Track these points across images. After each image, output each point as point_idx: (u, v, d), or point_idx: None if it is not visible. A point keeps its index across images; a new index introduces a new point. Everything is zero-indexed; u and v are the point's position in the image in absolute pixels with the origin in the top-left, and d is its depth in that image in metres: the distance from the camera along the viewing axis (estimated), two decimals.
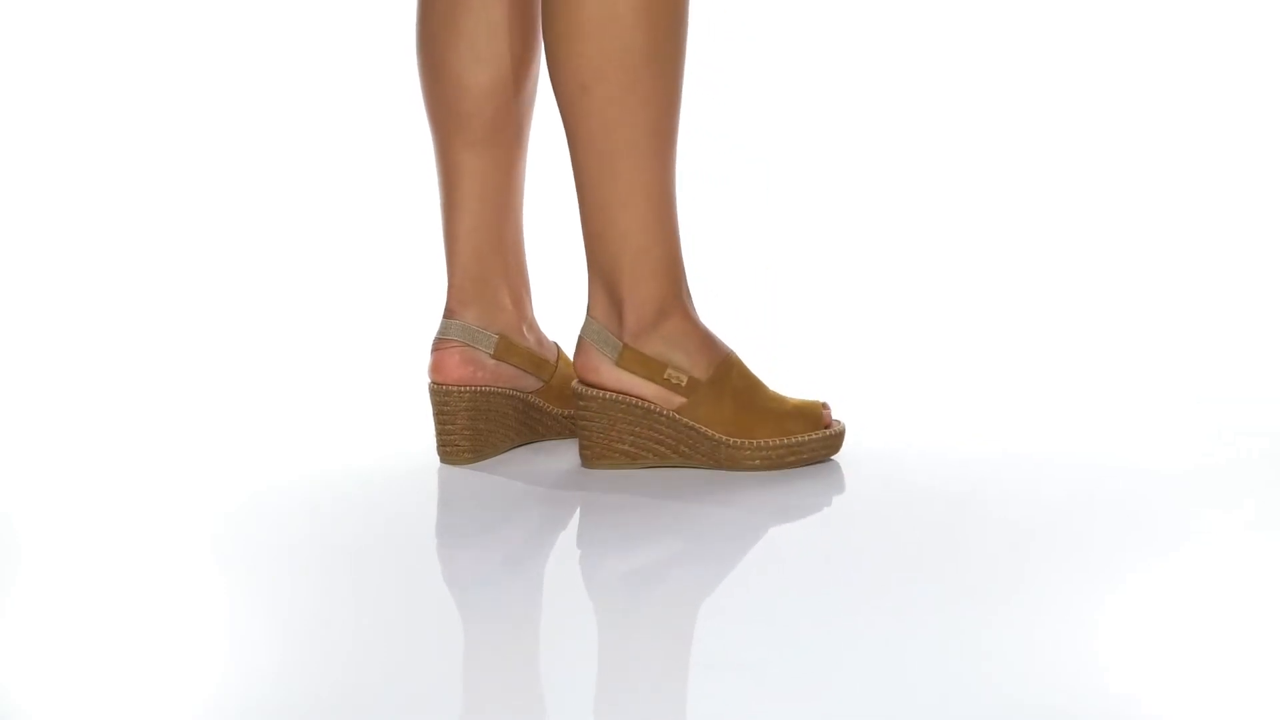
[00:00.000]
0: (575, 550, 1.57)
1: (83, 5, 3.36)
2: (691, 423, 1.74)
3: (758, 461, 1.73)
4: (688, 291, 1.76)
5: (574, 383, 1.75)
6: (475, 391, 1.80)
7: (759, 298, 2.72)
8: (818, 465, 1.75)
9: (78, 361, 2.39)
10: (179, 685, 1.25)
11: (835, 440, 1.77)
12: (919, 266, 2.88)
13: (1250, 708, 1.18)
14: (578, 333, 1.77)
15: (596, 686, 1.25)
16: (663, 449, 1.74)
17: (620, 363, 1.74)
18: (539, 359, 1.86)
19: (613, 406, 1.74)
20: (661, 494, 1.68)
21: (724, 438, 1.73)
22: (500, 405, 1.83)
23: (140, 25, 3.35)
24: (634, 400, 1.74)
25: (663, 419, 1.74)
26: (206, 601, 1.42)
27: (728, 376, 1.75)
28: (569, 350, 1.92)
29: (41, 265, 2.95)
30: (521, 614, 1.39)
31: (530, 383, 1.86)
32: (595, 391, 1.74)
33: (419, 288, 2.48)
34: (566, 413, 1.88)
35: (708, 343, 1.76)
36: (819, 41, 3.38)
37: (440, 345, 1.82)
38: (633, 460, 1.75)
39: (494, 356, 1.82)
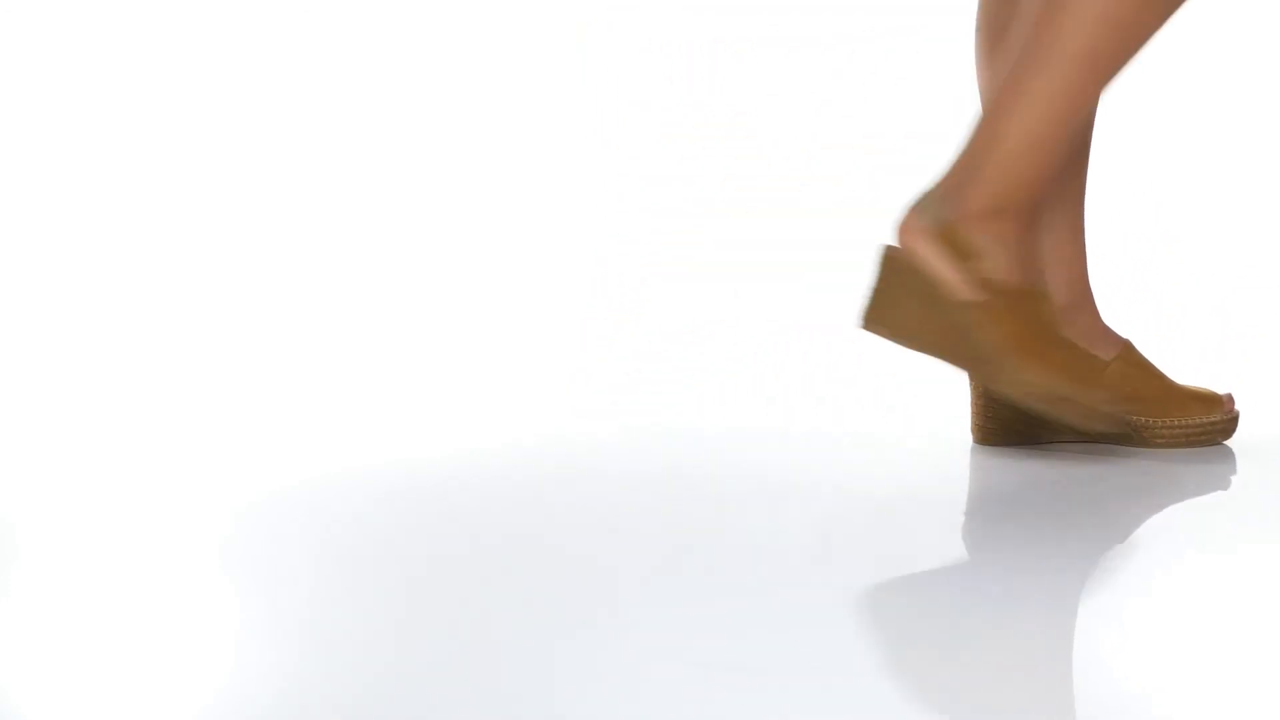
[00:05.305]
0: (575, 549, 1.57)
1: (82, 5, 3.36)
2: (969, 324, 1.67)
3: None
4: (1029, 206, 1.70)
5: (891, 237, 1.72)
6: None
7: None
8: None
9: (84, 361, 2.39)
10: (185, 686, 1.25)
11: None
12: None
13: (1250, 708, 1.18)
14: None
15: (595, 685, 1.25)
16: (939, 343, 1.67)
17: (939, 234, 1.69)
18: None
19: (908, 275, 1.67)
20: (660, 493, 1.68)
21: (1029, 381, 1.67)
22: None
23: (141, 25, 3.35)
24: (929, 276, 1.68)
25: (946, 306, 1.67)
26: (216, 602, 1.42)
27: (1039, 307, 1.70)
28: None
29: (47, 265, 2.95)
30: (521, 613, 1.39)
31: None
32: (896, 252, 1.69)
33: (425, 288, 2.49)
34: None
35: (1024, 253, 1.70)
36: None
37: None
38: (913, 342, 1.68)
39: None
